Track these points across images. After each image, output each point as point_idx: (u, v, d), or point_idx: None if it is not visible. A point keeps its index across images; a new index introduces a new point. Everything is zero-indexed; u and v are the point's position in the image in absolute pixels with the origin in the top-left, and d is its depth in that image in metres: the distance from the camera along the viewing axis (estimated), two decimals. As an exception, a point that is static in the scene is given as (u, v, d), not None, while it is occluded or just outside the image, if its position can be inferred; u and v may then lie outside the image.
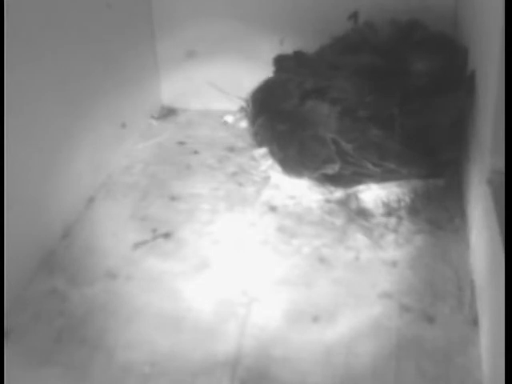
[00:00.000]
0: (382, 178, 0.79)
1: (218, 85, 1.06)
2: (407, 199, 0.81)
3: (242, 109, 1.03)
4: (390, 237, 0.76)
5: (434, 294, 0.68)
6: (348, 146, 0.77)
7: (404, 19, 0.87)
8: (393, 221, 0.79)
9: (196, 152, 0.98)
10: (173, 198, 0.87)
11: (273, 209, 0.83)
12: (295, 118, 0.81)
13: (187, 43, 1.06)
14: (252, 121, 0.87)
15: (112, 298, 0.69)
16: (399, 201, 0.81)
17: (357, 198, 0.82)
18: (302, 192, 0.84)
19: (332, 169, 0.79)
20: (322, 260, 0.74)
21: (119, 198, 0.87)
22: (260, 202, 0.84)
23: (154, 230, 0.80)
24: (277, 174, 0.86)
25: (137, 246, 0.77)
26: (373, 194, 0.82)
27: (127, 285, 0.71)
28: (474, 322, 0.63)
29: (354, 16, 0.91)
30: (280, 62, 0.88)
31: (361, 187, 0.82)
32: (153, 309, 0.68)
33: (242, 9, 1.01)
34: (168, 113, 1.10)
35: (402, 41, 0.85)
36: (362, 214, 0.80)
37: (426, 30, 0.86)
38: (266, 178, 0.88)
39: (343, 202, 0.82)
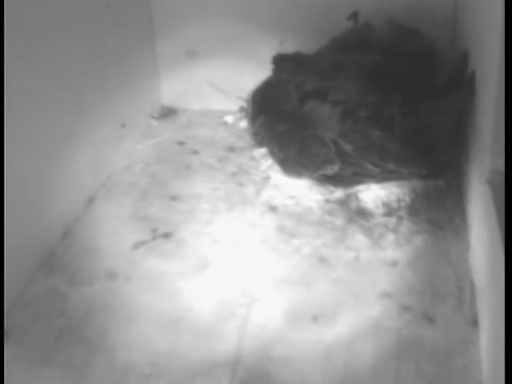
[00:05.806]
0: (382, 178, 0.79)
1: (218, 85, 1.07)
2: (407, 199, 0.81)
3: (241, 109, 1.03)
4: (390, 237, 0.76)
5: (434, 293, 0.68)
6: (348, 146, 0.77)
7: (404, 21, 0.88)
8: (393, 221, 0.79)
9: (196, 152, 0.98)
10: (173, 198, 0.86)
11: (273, 209, 0.83)
12: (295, 119, 0.81)
13: (187, 43, 1.06)
14: (252, 121, 0.87)
15: (112, 298, 0.69)
16: (399, 201, 0.81)
17: (357, 198, 0.82)
18: (302, 192, 0.84)
19: (331, 169, 0.79)
20: (322, 260, 0.74)
21: (119, 198, 0.87)
22: (260, 202, 0.84)
23: (154, 230, 0.80)
24: (277, 174, 0.86)
25: (137, 246, 0.77)
26: (373, 194, 0.81)
27: (127, 285, 0.71)
28: (474, 322, 0.63)
29: (353, 16, 0.91)
30: (279, 61, 0.88)
31: (361, 187, 0.82)
32: (153, 309, 0.68)
33: (242, 9, 1.01)
34: (168, 113, 1.10)
35: (401, 41, 0.85)
36: (362, 213, 0.80)
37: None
38: (266, 178, 0.88)
39: (343, 202, 0.82)
